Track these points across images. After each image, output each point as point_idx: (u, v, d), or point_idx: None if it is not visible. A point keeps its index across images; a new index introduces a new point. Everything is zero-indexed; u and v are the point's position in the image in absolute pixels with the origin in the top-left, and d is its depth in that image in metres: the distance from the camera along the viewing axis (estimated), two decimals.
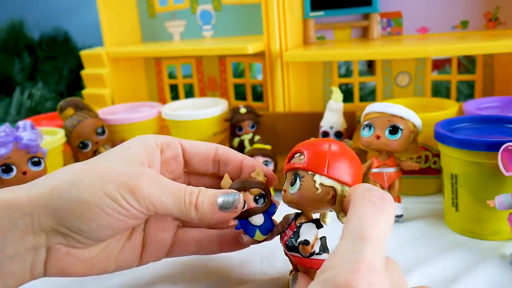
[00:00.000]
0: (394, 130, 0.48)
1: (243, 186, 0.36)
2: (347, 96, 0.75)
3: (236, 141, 0.67)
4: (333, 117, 0.61)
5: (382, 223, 0.27)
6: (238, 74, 0.98)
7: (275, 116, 0.69)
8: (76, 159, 0.67)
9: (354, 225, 0.26)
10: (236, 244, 0.39)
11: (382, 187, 0.50)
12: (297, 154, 0.35)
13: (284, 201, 0.35)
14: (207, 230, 0.40)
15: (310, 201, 0.33)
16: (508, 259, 0.42)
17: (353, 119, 0.64)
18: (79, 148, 0.65)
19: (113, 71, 0.81)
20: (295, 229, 0.35)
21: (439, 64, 0.99)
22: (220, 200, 0.34)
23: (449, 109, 0.56)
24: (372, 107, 0.50)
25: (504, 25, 0.66)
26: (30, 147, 0.50)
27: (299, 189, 0.33)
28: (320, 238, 0.34)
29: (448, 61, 0.91)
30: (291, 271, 0.38)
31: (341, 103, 0.61)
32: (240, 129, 0.66)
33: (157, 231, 0.38)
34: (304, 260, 0.34)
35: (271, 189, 0.39)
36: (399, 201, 0.50)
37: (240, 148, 0.66)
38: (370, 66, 0.97)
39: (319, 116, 0.63)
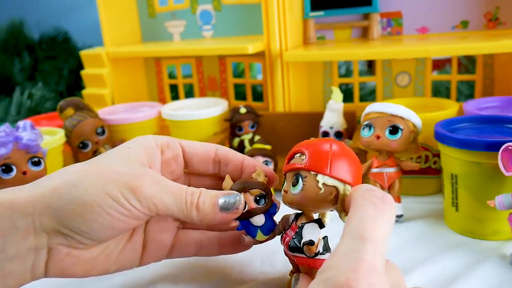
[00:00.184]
0: (394, 130, 0.48)
1: (243, 187, 0.36)
2: (347, 96, 0.75)
3: (236, 141, 0.67)
4: (333, 117, 0.61)
5: (383, 224, 0.27)
6: (238, 74, 0.98)
7: (275, 116, 0.69)
8: (76, 159, 0.67)
9: (354, 225, 0.26)
10: (236, 246, 0.39)
11: (382, 187, 0.50)
12: (298, 155, 0.34)
13: (284, 202, 0.35)
14: (207, 232, 0.40)
15: (313, 201, 0.33)
16: (508, 259, 0.42)
17: (353, 119, 0.64)
18: (79, 148, 0.65)
19: (113, 71, 0.81)
20: (297, 230, 0.34)
21: (439, 64, 0.99)
22: (221, 201, 0.34)
23: (449, 109, 0.56)
24: (372, 107, 0.50)
25: (504, 25, 0.66)
26: (30, 147, 0.50)
27: (301, 189, 0.33)
28: (323, 238, 0.34)
29: (448, 61, 0.91)
30: (291, 272, 0.38)
31: (341, 103, 0.61)
32: (240, 129, 0.66)
33: (157, 232, 0.38)
34: (308, 261, 0.34)
35: (272, 189, 0.39)
36: (399, 201, 0.50)
37: (240, 148, 0.66)
38: (370, 66, 0.97)
39: (319, 116, 0.63)
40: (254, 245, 0.38)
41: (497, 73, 0.67)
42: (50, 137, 0.61)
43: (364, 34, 0.73)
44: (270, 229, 0.37)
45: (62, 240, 0.32)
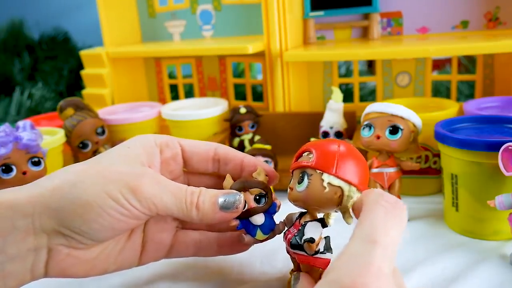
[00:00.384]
0: (394, 130, 0.48)
1: (243, 186, 0.36)
2: (347, 96, 0.75)
3: (236, 141, 0.67)
4: (333, 117, 0.61)
5: (394, 229, 0.27)
6: (238, 74, 0.98)
7: (275, 116, 0.69)
8: (76, 159, 0.67)
9: (365, 228, 0.27)
10: (235, 247, 0.39)
11: (382, 187, 0.50)
12: (306, 153, 0.35)
13: (289, 199, 0.35)
14: (206, 233, 0.40)
15: (317, 200, 0.33)
16: (508, 259, 0.42)
17: (353, 119, 0.64)
18: (79, 148, 0.65)
19: (113, 71, 0.81)
20: (300, 228, 0.35)
21: (439, 64, 0.99)
22: (221, 200, 0.34)
23: (449, 109, 0.56)
24: (372, 107, 0.50)
25: (504, 25, 0.66)
26: (30, 147, 0.50)
27: (307, 187, 0.33)
28: (324, 238, 0.34)
29: (448, 61, 0.91)
30: (292, 270, 0.38)
31: (341, 103, 0.61)
32: (240, 129, 0.66)
33: (156, 232, 0.38)
34: (308, 258, 0.34)
35: (272, 188, 0.39)
36: None
37: (240, 148, 0.66)
38: (370, 66, 0.97)
39: (319, 116, 0.63)
40: (254, 245, 0.38)
41: (497, 73, 0.67)
42: (50, 137, 0.61)
43: (364, 34, 0.73)
44: (270, 228, 0.37)
45: (62, 241, 0.32)
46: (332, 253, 0.34)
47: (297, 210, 0.36)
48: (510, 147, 0.40)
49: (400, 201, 0.29)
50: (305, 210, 0.36)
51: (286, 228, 0.37)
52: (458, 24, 0.68)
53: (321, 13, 0.73)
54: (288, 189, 0.35)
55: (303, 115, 0.68)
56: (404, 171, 0.51)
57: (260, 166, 0.38)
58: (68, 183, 0.32)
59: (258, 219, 0.37)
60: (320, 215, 0.36)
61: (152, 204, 0.33)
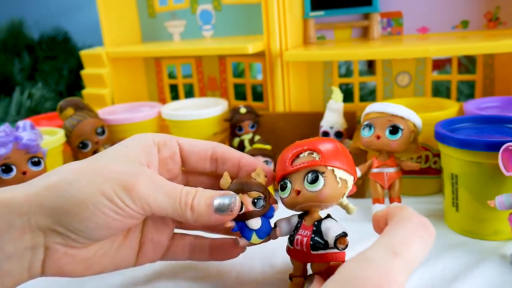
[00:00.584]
0: (394, 130, 0.48)
1: (241, 188, 0.36)
2: (347, 96, 0.75)
3: (236, 141, 0.67)
4: (333, 117, 0.61)
5: (419, 248, 0.27)
6: (238, 74, 0.98)
7: (275, 116, 0.69)
8: (76, 159, 0.67)
9: (392, 239, 0.27)
10: (226, 253, 0.39)
11: (382, 187, 0.50)
12: (305, 153, 0.35)
13: (296, 203, 0.35)
14: (200, 237, 0.40)
15: (332, 197, 0.34)
16: (508, 259, 0.42)
17: (353, 119, 0.64)
18: (79, 148, 0.65)
19: (113, 71, 0.81)
20: (314, 228, 0.35)
21: (440, 64, 0.99)
22: (216, 202, 0.34)
23: (449, 109, 0.56)
24: (372, 107, 0.50)
25: (504, 25, 0.66)
26: (30, 147, 0.50)
27: (324, 185, 0.33)
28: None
29: (448, 61, 0.91)
30: (291, 274, 0.37)
31: (341, 103, 0.61)
32: (240, 129, 0.66)
33: (155, 233, 0.38)
34: (332, 255, 0.34)
35: (272, 189, 0.39)
36: (399, 201, 0.50)
37: (240, 148, 0.66)
38: (370, 66, 0.97)
39: (319, 116, 0.63)
40: (254, 245, 0.38)
41: (498, 73, 0.67)
42: (50, 137, 0.61)
43: (364, 34, 0.73)
44: (266, 233, 0.36)
45: (59, 239, 0.32)
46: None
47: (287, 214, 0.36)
48: (510, 147, 0.40)
49: (432, 226, 0.29)
50: (300, 212, 0.36)
51: (283, 234, 0.37)
52: (458, 24, 0.68)
53: (321, 13, 0.73)
54: (292, 193, 0.35)
55: (303, 115, 0.68)
56: (404, 171, 0.51)
57: (259, 167, 0.37)
58: (64, 181, 0.32)
59: (255, 223, 0.36)
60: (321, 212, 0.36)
61: (146, 204, 0.32)
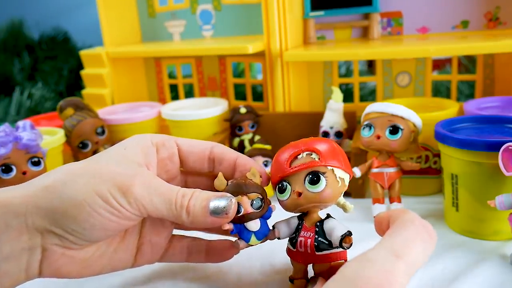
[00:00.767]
0: (394, 130, 0.48)
1: (240, 190, 0.35)
2: (347, 96, 0.75)
3: (236, 141, 0.67)
4: (333, 117, 0.61)
5: (420, 251, 0.27)
6: (238, 74, 0.98)
7: (275, 116, 0.69)
8: (76, 159, 0.67)
9: (394, 241, 0.27)
10: (222, 255, 0.39)
11: (382, 187, 0.50)
12: (303, 154, 0.35)
13: (295, 204, 0.34)
14: (197, 239, 0.40)
15: (333, 197, 0.34)
16: (508, 259, 0.42)
17: (353, 119, 0.64)
18: (79, 148, 0.65)
19: (113, 71, 0.81)
20: (316, 229, 0.35)
21: (440, 64, 0.99)
22: (212, 204, 0.33)
23: (449, 109, 0.56)
24: (372, 107, 0.50)
25: (504, 25, 0.66)
26: (29, 147, 0.50)
27: (326, 186, 0.33)
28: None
29: (448, 61, 0.91)
30: (291, 276, 0.37)
31: (341, 103, 0.61)
32: (240, 129, 0.66)
33: (153, 234, 0.38)
34: (336, 255, 0.35)
35: (269, 189, 0.39)
36: (399, 201, 0.50)
37: (240, 148, 0.66)
38: (370, 66, 0.97)
39: (319, 116, 0.63)
40: (254, 246, 0.38)
41: (498, 73, 0.67)
42: (50, 137, 0.61)
43: (364, 34, 0.73)
44: (264, 234, 0.36)
45: (56, 240, 0.32)
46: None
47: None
48: (510, 147, 0.40)
49: (433, 229, 0.29)
50: (298, 214, 0.36)
51: (282, 237, 0.37)
52: (458, 24, 0.68)
53: (321, 13, 0.73)
54: (292, 195, 0.34)
55: (303, 115, 0.68)
56: (404, 171, 0.51)
57: (254, 167, 0.37)
58: (60, 182, 0.32)
59: (254, 225, 0.36)
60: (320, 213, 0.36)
61: (142, 206, 0.32)
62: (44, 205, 0.31)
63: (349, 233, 0.33)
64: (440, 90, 0.85)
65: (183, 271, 0.43)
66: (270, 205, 0.37)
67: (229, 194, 0.34)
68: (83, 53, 0.82)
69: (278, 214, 0.37)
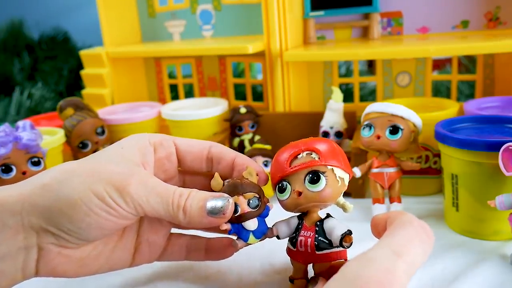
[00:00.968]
0: (394, 130, 0.48)
1: (236, 190, 0.35)
2: (347, 96, 0.75)
3: (236, 141, 0.67)
4: (333, 117, 0.61)
5: (419, 251, 0.27)
6: (238, 74, 0.98)
7: (275, 116, 0.69)
8: (76, 159, 0.67)
9: (394, 240, 0.27)
10: (221, 253, 0.39)
11: (382, 187, 0.50)
12: (303, 154, 0.35)
13: (296, 204, 0.34)
14: (196, 237, 0.40)
15: (333, 196, 0.34)
16: (508, 259, 0.42)
17: (353, 119, 0.64)
18: (78, 148, 0.65)
19: (113, 71, 0.81)
20: (316, 228, 0.35)
21: (440, 64, 0.99)
22: (209, 204, 0.33)
23: (449, 109, 0.56)
24: (373, 107, 0.50)
25: (504, 25, 0.66)
26: (29, 147, 0.50)
27: (326, 185, 0.33)
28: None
29: (448, 61, 0.91)
30: (291, 277, 0.37)
31: (341, 103, 0.61)
32: (240, 129, 0.66)
33: (151, 233, 0.38)
34: (337, 254, 0.35)
35: (268, 188, 0.39)
36: (399, 201, 0.50)
37: (240, 148, 0.66)
38: (370, 66, 0.97)
39: (319, 116, 0.63)
40: (253, 245, 0.38)
41: (498, 73, 0.67)
42: (49, 137, 0.61)
43: (364, 34, 0.73)
44: (262, 232, 0.36)
45: (52, 239, 0.32)
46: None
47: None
48: (510, 147, 0.40)
49: (430, 230, 0.29)
50: (298, 214, 0.36)
51: (282, 237, 0.37)
52: (458, 24, 0.68)
53: (321, 13, 0.73)
54: (292, 195, 0.34)
55: (303, 115, 0.68)
56: (405, 171, 0.50)
57: (250, 166, 0.37)
58: (56, 180, 0.32)
59: (252, 224, 0.35)
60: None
61: (138, 205, 0.32)
62: (40, 203, 0.31)
63: (349, 232, 0.33)
64: (440, 90, 0.85)
65: (184, 271, 0.43)
66: (267, 204, 0.37)
67: (226, 194, 0.34)
68: (83, 53, 0.82)
69: (278, 214, 0.37)
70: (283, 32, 0.68)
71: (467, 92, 0.85)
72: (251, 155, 0.58)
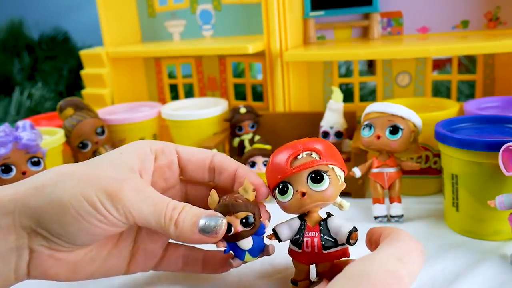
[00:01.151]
0: (394, 130, 0.48)
1: (227, 210, 0.34)
2: (347, 96, 0.75)
3: (236, 141, 0.67)
4: (333, 117, 0.61)
5: (417, 264, 0.28)
6: (238, 74, 0.98)
7: (275, 116, 0.69)
8: (76, 159, 0.67)
9: (398, 248, 0.28)
10: (218, 267, 0.39)
11: (382, 187, 0.50)
12: (303, 155, 0.34)
13: (300, 205, 0.34)
14: (194, 248, 0.39)
15: (335, 195, 0.34)
16: (508, 259, 0.42)
17: (353, 119, 0.64)
18: (78, 148, 0.65)
19: (113, 71, 0.81)
20: (321, 228, 0.35)
21: (440, 64, 0.99)
22: (201, 222, 0.33)
23: (449, 109, 0.56)
24: (373, 107, 0.50)
25: (504, 25, 0.66)
26: (29, 147, 0.50)
27: (329, 184, 0.34)
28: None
29: (448, 61, 0.91)
30: (293, 279, 0.37)
31: (341, 103, 0.61)
32: (240, 129, 0.66)
33: (148, 242, 0.37)
34: (342, 251, 0.35)
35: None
36: (399, 201, 0.50)
37: (240, 148, 0.66)
38: (370, 66, 0.97)
39: (319, 116, 0.63)
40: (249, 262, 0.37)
41: (498, 73, 0.67)
42: (49, 137, 0.61)
43: (364, 34, 0.73)
44: (259, 251, 0.36)
45: (43, 241, 0.31)
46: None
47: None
48: (510, 147, 0.40)
49: (424, 250, 0.30)
50: (297, 215, 0.36)
51: (284, 239, 0.36)
52: (458, 24, 0.68)
53: (321, 13, 0.73)
54: (296, 196, 0.34)
55: (303, 115, 0.68)
56: (405, 171, 0.50)
57: (247, 181, 0.35)
58: (49, 182, 0.31)
59: (246, 243, 0.35)
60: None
61: (129, 212, 0.31)
62: (32, 204, 0.31)
63: (355, 229, 0.34)
64: (440, 90, 0.85)
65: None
66: (263, 221, 0.36)
67: (220, 214, 0.34)
68: (83, 53, 0.82)
69: (276, 215, 0.37)
70: (283, 32, 0.68)
71: (467, 92, 0.85)
72: (251, 155, 0.58)
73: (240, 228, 0.34)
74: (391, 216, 0.50)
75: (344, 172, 0.36)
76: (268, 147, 0.58)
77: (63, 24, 1.39)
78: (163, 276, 0.43)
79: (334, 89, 0.61)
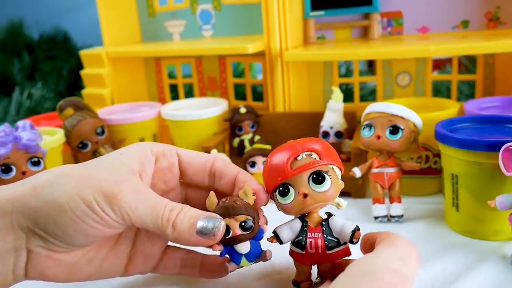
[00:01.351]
0: (394, 130, 0.48)
1: (227, 212, 0.34)
2: (348, 96, 0.75)
3: (236, 141, 0.67)
4: (333, 117, 0.61)
5: (415, 266, 0.29)
6: (238, 74, 0.98)
7: (275, 116, 0.69)
8: (76, 159, 0.67)
9: (398, 248, 0.29)
10: (216, 272, 0.39)
11: (383, 187, 0.50)
12: (302, 155, 0.34)
13: (302, 206, 0.34)
14: (192, 252, 0.39)
15: (336, 194, 0.34)
16: (508, 259, 0.42)
17: (354, 119, 0.64)
18: (78, 148, 0.65)
19: (112, 71, 0.81)
20: (323, 228, 0.35)
21: (440, 64, 0.99)
22: (199, 224, 0.32)
23: (449, 109, 0.56)
24: (373, 107, 0.50)
25: (504, 25, 0.66)
26: (29, 147, 0.50)
27: (331, 184, 0.34)
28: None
29: (448, 61, 0.91)
30: (294, 280, 0.37)
31: (342, 103, 0.61)
32: (240, 129, 0.66)
33: (147, 245, 0.37)
34: (345, 250, 0.35)
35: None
36: (399, 202, 0.50)
37: (240, 148, 0.66)
38: (370, 66, 0.97)
39: (319, 116, 0.63)
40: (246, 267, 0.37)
41: (498, 73, 0.67)
42: (49, 137, 0.61)
43: (365, 34, 0.73)
44: (256, 256, 0.36)
45: (40, 242, 0.31)
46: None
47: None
48: (510, 147, 0.40)
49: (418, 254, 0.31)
50: (299, 215, 0.36)
51: (285, 241, 0.36)
52: (458, 24, 0.68)
53: (321, 12, 0.73)
54: (297, 197, 0.34)
55: (303, 115, 0.68)
56: (405, 171, 0.50)
57: (247, 185, 0.35)
58: (49, 183, 0.31)
59: (244, 247, 0.35)
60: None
61: (126, 214, 0.31)
62: (30, 204, 0.31)
63: (358, 228, 0.34)
64: (440, 90, 0.85)
65: None
66: (262, 226, 0.36)
67: (218, 216, 0.34)
68: (83, 53, 0.82)
69: (274, 217, 0.37)
70: (283, 32, 0.68)
71: (467, 92, 0.85)
72: (251, 155, 0.58)
73: (238, 231, 0.34)
74: (391, 216, 0.50)
75: (341, 171, 0.36)
76: (268, 147, 0.58)
77: (63, 24, 1.39)
78: (163, 276, 0.43)
79: (334, 89, 0.61)
